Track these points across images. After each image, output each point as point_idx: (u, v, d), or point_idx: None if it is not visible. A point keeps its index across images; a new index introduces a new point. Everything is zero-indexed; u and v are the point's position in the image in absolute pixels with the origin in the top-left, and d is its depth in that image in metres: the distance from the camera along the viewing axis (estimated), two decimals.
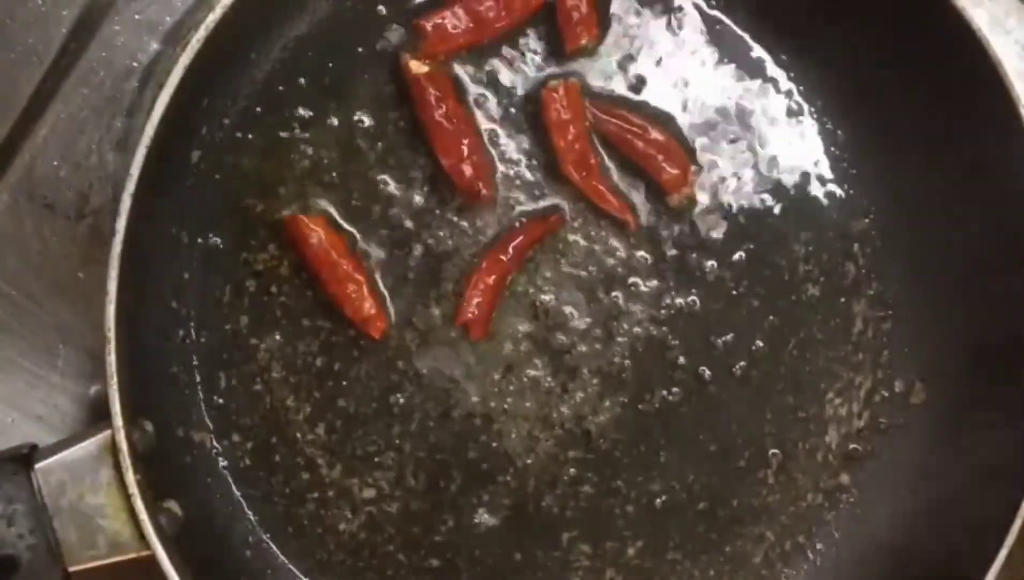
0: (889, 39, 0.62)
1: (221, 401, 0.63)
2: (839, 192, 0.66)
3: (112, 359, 0.54)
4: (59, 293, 0.64)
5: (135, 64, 0.63)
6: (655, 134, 0.64)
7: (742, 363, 0.66)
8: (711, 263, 0.65)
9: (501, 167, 0.64)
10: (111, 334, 0.54)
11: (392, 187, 0.63)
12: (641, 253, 0.65)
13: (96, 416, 0.64)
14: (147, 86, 0.63)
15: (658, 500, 0.66)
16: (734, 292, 0.65)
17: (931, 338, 0.66)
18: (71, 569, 0.55)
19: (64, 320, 0.64)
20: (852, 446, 0.67)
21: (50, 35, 0.62)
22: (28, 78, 0.62)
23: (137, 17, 0.63)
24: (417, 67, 0.61)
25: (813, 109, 0.66)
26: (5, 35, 0.62)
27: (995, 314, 0.63)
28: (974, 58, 0.58)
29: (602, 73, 0.64)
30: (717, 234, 0.65)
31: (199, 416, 0.63)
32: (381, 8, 0.62)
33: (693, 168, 0.65)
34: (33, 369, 0.64)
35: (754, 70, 0.65)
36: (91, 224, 0.63)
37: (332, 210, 0.63)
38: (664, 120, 0.65)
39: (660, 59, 0.65)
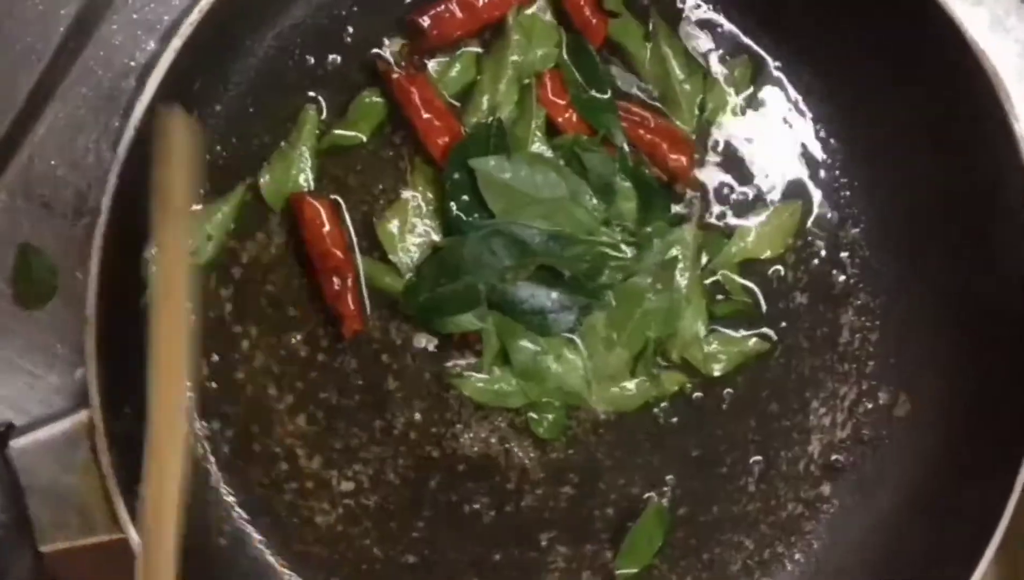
0: (885, 48, 0.61)
1: (202, 388, 0.63)
2: (830, 200, 0.66)
3: (91, 341, 0.54)
4: (58, 293, 0.63)
5: (133, 63, 0.63)
6: (657, 122, 0.63)
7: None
8: None
9: None
10: (91, 316, 0.54)
11: (385, 182, 0.63)
12: None
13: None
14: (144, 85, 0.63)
15: (639, 504, 0.65)
16: None
17: (917, 350, 0.65)
18: (43, 549, 0.55)
19: (63, 320, 0.64)
20: (834, 457, 0.66)
21: (48, 34, 0.62)
22: (26, 77, 0.62)
23: (135, 16, 0.63)
24: (395, 71, 0.61)
25: (807, 117, 0.65)
26: (3, 34, 0.62)
27: (983, 328, 0.62)
28: (969, 66, 0.57)
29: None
30: None
31: None
32: None
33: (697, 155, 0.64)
34: (32, 369, 0.63)
35: (750, 75, 0.65)
36: (89, 223, 0.63)
37: (317, 203, 0.62)
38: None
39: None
